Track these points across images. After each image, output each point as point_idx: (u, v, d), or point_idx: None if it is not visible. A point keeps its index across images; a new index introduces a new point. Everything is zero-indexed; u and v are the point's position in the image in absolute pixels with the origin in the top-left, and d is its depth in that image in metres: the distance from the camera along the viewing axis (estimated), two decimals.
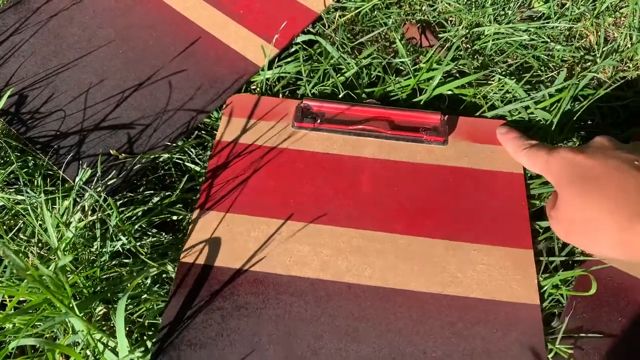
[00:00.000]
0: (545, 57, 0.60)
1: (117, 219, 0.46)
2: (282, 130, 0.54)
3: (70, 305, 0.42)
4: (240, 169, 0.52)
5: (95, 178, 0.50)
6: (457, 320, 0.44)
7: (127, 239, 0.46)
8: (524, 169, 0.51)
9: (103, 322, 0.46)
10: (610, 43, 0.61)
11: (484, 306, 0.44)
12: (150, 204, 0.51)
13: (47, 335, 0.46)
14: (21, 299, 0.46)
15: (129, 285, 0.43)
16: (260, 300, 0.45)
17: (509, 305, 0.44)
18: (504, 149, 0.52)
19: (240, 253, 0.47)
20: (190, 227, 0.48)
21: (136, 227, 0.49)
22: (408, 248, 0.47)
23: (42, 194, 0.46)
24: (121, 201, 0.50)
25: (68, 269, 0.45)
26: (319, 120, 0.54)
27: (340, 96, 0.57)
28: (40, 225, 0.47)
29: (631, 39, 0.60)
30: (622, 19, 0.63)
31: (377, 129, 0.53)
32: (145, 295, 0.46)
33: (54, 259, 0.46)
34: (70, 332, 0.44)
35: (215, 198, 0.50)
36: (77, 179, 0.48)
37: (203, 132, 0.57)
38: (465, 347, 0.43)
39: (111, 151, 0.52)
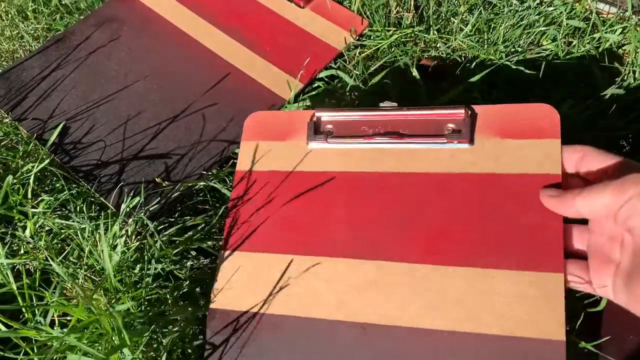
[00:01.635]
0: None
1: (159, 243, 0.50)
2: (298, 150, 0.51)
3: (122, 335, 0.45)
4: (260, 200, 0.50)
5: (138, 205, 0.54)
6: None
7: (166, 263, 0.50)
8: (563, 168, 0.43)
9: (147, 349, 0.49)
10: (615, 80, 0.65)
11: (502, 344, 0.40)
12: (190, 231, 0.55)
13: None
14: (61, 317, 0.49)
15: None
16: (278, 346, 0.45)
17: (531, 342, 0.40)
18: (539, 143, 0.45)
19: (261, 295, 0.47)
20: (217, 270, 0.49)
21: (176, 251, 0.52)
22: (425, 280, 0.44)
23: (93, 220, 0.49)
24: (161, 227, 0.54)
25: (115, 289, 0.48)
26: (332, 134, 0.50)
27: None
28: (89, 248, 0.50)
29: (634, 74, 0.64)
30: (625, 55, 0.67)
31: (393, 138, 0.48)
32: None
33: (100, 281, 0.49)
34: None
35: (238, 236, 0.49)
36: (124, 205, 0.52)
37: (236, 160, 0.61)
38: None
39: (156, 179, 0.56)
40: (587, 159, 0.42)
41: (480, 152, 0.46)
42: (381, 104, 0.49)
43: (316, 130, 0.50)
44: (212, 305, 0.47)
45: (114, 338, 0.44)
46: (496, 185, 0.45)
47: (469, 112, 0.47)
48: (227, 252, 0.49)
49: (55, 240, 0.54)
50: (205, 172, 0.59)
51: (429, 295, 0.43)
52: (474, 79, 0.63)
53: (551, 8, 0.67)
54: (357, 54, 0.69)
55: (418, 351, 0.42)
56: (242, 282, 0.47)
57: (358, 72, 0.67)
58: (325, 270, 0.46)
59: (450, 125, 0.47)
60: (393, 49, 0.69)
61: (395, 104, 0.49)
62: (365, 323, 0.44)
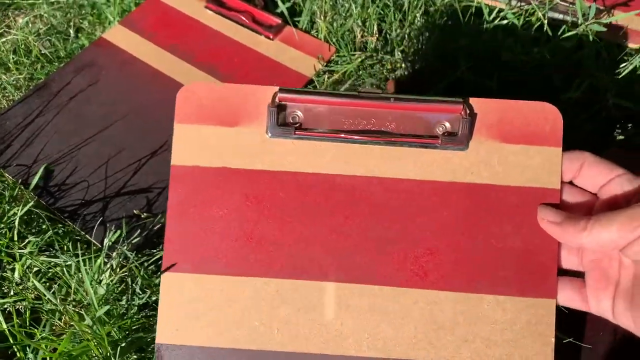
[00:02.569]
0: None
1: (142, 274, 0.52)
2: (254, 141, 0.40)
3: (108, 354, 0.47)
4: (206, 208, 0.40)
5: (121, 239, 0.56)
6: None
7: (152, 292, 0.51)
8: (562, 181, 0.40)
9: None
10: None
11: None
12: None
13: None
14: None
15: None
16: None
17: None
18: (539, 151, 0.40)
19: (211, 326, 0.40)
20: (160, 299, 0.40)
21: (157, 280, 0.54)
22: (412, 307, 0.39)
23: (78, 257, 0.51)
24: (144, 258, 0.56)
25: (103, 321, 0.50)
26: (301, 125, 0.40)
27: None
28: (75, 284, 0.52)
29: (591, 78, 0.67)
30: (581, 60, 0.70)
31: (376, 138, 0.40)
32: None
33: (89, 315, 0.51)
34: None
35: (181, 254, 0.40)
36: (106, 240, 0.54)
37: None
38: None
39: (134, 211, 0.58)
40: (586, 168, 0.39)
41: (475, 158, 0.40)
42: (360, 89, 0.40)
43: (280, 119, 0.40)
44: (157, 340, 0.40)
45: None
46: (490, 198, 0.40)
47: (467, 110, 0.40)
48: (168, 275, 0.40)
49: (44, 279, 0.55)
50: None
51: (417, 324, 0.39)
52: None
53: (505, 21, 0.70)
54: (326, 79, 0.72)
55: None
56: (189, 310, 0.40)
57: None
58: (290, 296, 0.39)
59: (445, 124, 0.40)
60: (360, 72, 0.72)
61: (379, 91, 0.40)
62: (345, 356, 0.39)
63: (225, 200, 0.40)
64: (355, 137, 0.40)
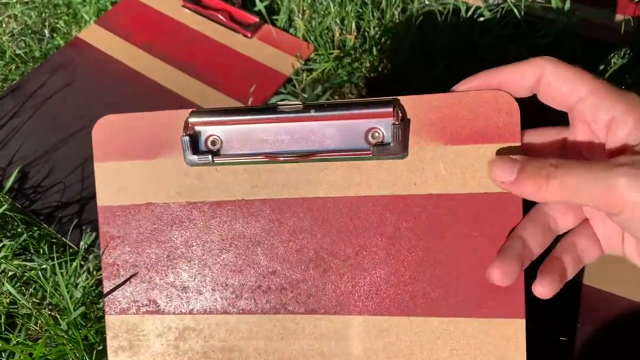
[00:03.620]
0: None
1: None
2: (177, 170, 0.37)
3: (84, 359, 0.46)
4: (139, 248, 0.38)
5: (98, 241, 0.55)
6: None
7: None
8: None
9: None
10: None
11: None
12: None
13: None
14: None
15: None
16: None
17: None
18: (494, 149, 0.34)
19: None
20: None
21: None
22: (363, 335, 0.36)
23: (53, 260, 0.51)
24: None
25: (79, 325, 0.49)
26: (219, 151, 0.37)
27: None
28: (51, 288, 0.51)
29: None
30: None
31: (303, 157, 0.35)
32: None
33: (64, 319, 0.50)
34: None
35: (121, 295, 0.38)
36: (82, 242, 0.53)
37: None
38: None
39: None
40: (547, 89, 0.32)
41: (417, 166, 0.35)
42: (279, 103, 0.36)
43: (195, 146, 0.36)
44: None
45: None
46: (438, 210, 0.35)
47: (399, 113, 0.34)
48: (112, 317, 0.38)
49: (19, 284, 0.55)
50: None
51: (372, 353, 0.36)
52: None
53: (482, 18, 0.70)
54: (304, 77, 0.72)
55: None
56: (139, 352, 0.38)
57: (307, 95, 0.70)
58: (236, 332, 0.37)
59: (379, 130, 0.35)
60: (339, 70, 0.72)
61: (299, 103, 0.35)
62: None
63: (154, 238, 0.38)
64: (280, 157, 0.35)
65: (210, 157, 0.36)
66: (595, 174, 0.27)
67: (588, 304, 0.49)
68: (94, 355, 0.46)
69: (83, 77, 0.73)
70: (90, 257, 0.53)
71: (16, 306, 0.53)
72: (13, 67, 0.77)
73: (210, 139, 0.37)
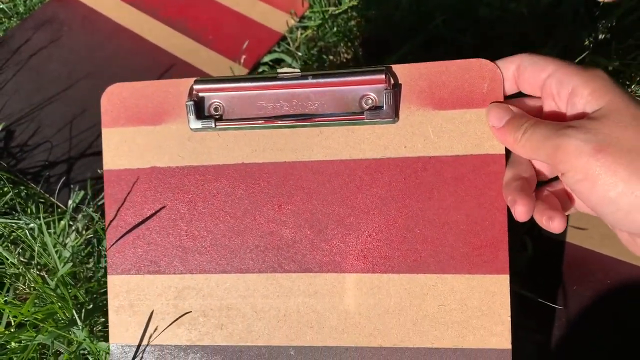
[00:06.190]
0: None
1: None
2: (178, 137, 0.39)
3: (73, 317, 0.46)
4: (143, 209, 0.40)
5: (87, 200, 0.54)
6: None
7: None
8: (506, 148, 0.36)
9: (104, 332, 0.49)
10: None
11: (448, 357, 0.37)
12: None
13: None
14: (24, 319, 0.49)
15: None
16: None
17: (476, 353, 0.37)
18: (477, 114, 0.36)
19: (162, 325, 0.39)
20: (109, 303, 0.40)
21: None
22: (356, 292, 0.38)
23: (40, 220, 0.49)
24: None
25: (68, 284, 0.48)
26: (222, 116, 0.39)
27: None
28: (39, 247, 0.50)
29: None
30: (561, 16, 0.69)
31: (300, 121, 0.38)
32: None
33: (53, 278, 0.49)
34: (75, 344, 0.47)
35: (123, 255, 0.40)
36: (70, 201, 0.52)
37: None
38: None
39: (100, 171, 0.56)
40: (523, 73, 0.35)
41: (407, 130, 0.37)
42: (279, 70, 0.39)
43: (199, 112, 0.39)
44: (111, 339, 0.40)
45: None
46: (427, 171, 0.37)
47: (391, 80, 0.37)
48: (114, 277, 0.40)
49: (6, 243, 0.53)
50: None
51: (361, 310, 0.38)
52: (410, 46, 0.65)
53: None
54: (299, 36, 0.70)
55: None
56: (139, 310, 0.39)
57: (301, 54, 0.68)
58: (234, 291, 0.39)
59: (372, 97, 0.38)
60: (335, 29, 0.70)
61: (297, 71, 0.38)
62: (292, 346, 0.38)
63: (157, 200, 0.39)
64: (279, 122, 0.38)
65: (213, 122, 0.38)
66: (548, 132, 0.30)
67: (586, 268, 0.49)
68: (82, 314, 0.46)
69: (70, 33, 0.70)
70: (79, 216, 0.52)
71: (4, 266, 0.52)
72: None
73: (213, 105, 0.39)
